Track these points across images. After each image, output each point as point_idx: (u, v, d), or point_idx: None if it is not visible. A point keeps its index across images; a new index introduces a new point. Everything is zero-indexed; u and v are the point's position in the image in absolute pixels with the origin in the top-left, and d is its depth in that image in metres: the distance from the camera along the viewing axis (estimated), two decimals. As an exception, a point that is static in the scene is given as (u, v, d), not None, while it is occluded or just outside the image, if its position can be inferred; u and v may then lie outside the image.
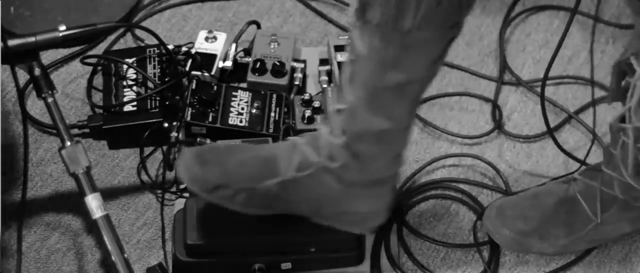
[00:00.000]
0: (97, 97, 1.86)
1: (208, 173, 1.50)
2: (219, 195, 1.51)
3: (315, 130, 1.55)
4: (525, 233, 1.63)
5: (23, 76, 1.68)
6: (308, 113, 1.76)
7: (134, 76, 1.82)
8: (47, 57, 1.90)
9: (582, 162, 1.70)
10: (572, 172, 1.71)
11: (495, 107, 1.89)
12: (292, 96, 1.81)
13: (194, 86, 1.76)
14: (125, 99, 1.79)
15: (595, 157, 1.70)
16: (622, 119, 1.52)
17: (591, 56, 1.51)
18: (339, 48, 1.83)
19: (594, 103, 1.59)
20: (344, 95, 1.43)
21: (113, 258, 1.52)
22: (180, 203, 1.66)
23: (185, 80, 1.81)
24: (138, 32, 1.96)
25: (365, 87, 1.40)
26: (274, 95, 1.79)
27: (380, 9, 1.31)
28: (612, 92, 1.52)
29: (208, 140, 1.71)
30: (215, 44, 1.86)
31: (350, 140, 1.45)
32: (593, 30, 1.49)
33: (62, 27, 1.60)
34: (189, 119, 1.72)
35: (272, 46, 1.85)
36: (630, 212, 1.61)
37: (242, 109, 1.76)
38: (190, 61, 1.83)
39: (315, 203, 1.53)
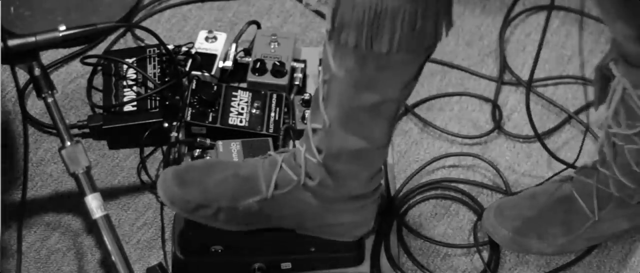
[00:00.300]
0: (97, 97, 1.86)
1: (188, 194, 1.50)
2: (200, 215, 1.52)
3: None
4: (523, 233, 1.63)
5: (23, 76, 1.68)
6: (308, 113, 1.76)
7: (134, 76, 1.82)
8: (47, 57, 1.90)
9: (571, 165, 1.71)
10: (561, 170, 1.71)
11: (495, 107, 1.89)
12: (292, 96, 1.81)
13: (194, 86, 1.75)
14: (125, 99, 1.79)
15: (590, 157, 1.70)
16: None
17: (580, 52, 1.51)
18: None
19: (589, 104, 1.59)
20: (319, 114, 1.43)
21: (113, 258, 1.52)
22: (180, 203, 1.66)
23: (185, 80, 1.81)
24: (138, 32, 1.96)
25: (341, 107, 1.39)
26: (274, 95, 1.78)
27: (355, 32, 1.30)
28: (596, 97, 1.53)
29: (208, 140, 1.71)
30: (215, 44, 1.86)
31: (327, 159, 1.45)
32: (580, 25, 1.49)
33: (62, 27, 1.60)
34: (189, 119, 1.72)
35: (272, 46, 1.85)
36: (627, 209, 1.62)
37: (242, 109, 1.76)
38: (190, 61, 1.83)
39: (297, 218, 1.53)
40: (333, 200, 1.51)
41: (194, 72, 1.81)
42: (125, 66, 1.83)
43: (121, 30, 1.97)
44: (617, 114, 1.49)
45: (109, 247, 1.52)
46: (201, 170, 1.52)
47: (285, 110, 1.77)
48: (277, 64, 1.82)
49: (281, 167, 1.50)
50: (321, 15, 2.01)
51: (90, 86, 1.88)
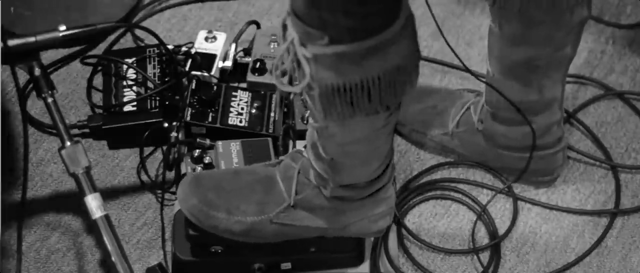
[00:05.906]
0: (97, 97, 1.86)
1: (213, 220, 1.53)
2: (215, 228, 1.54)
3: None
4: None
5: (23, 76, 1.68)
6: (308, 113, 1.76)
7: (134, 76, 1.82)
8: (47, 57, 1.90)
9: None
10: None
11: (495, 107, 1.88)
12: (292, 96, 1.80)
13: (193, 86, 1.76)
14: (125, 99, 1.79)
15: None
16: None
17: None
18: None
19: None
20: (319, 152, 1.44)
21: (113, 258, 1.52)
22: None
23: (185, 80, 1.81)
24: (138, 32, 1.97)
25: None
26: (274, 95, 1.79)
27: (313, 114, 1.35)
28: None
29: (208, 141, 1.71)
30: (215, 44, 1.86)
31: (334, 156, 1.44)
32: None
33: (62, 27, 1.60)
34: (188, 119, 1.72)
35: (272, 46, 1.85)
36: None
37: (242, 109, 1.76)
38: (190, 61, 1.83)
39: (323, 217, 1.53)
40: (349, 198, 1.50)
41: (193, 72, 1.81)
42: (125, 66, 1.83)
43: (121, 30, 1.97)
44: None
45: (109, 247, 1.52)
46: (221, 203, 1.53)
47: (285, 110, 1.77)
48: (277, 64, 1.82)
49: (297, 175, 1.50)
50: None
51: (90, 86, 1.88)
